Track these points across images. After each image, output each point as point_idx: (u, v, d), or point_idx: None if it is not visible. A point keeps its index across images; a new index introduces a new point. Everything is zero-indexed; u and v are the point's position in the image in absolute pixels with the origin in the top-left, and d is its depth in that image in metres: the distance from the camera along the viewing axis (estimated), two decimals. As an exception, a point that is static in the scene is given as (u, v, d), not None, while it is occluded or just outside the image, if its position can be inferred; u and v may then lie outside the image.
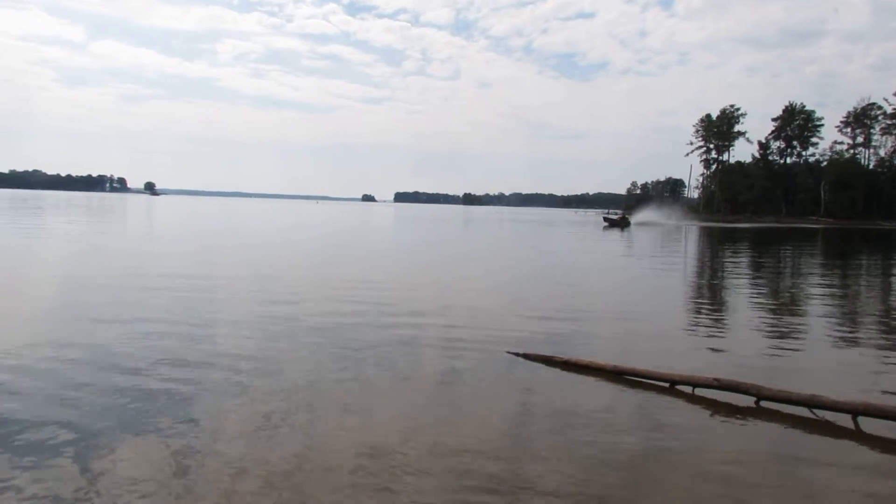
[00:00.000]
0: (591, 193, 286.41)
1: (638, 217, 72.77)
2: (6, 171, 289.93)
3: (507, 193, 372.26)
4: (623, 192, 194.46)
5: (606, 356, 7.71)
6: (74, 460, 4.56)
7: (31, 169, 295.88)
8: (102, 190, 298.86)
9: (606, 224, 60.15)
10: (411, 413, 5.85)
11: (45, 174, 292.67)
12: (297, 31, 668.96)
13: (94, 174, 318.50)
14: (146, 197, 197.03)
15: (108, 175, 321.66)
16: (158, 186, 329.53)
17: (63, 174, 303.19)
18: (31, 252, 21.16)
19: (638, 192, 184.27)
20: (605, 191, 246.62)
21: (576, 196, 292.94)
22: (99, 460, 4.58)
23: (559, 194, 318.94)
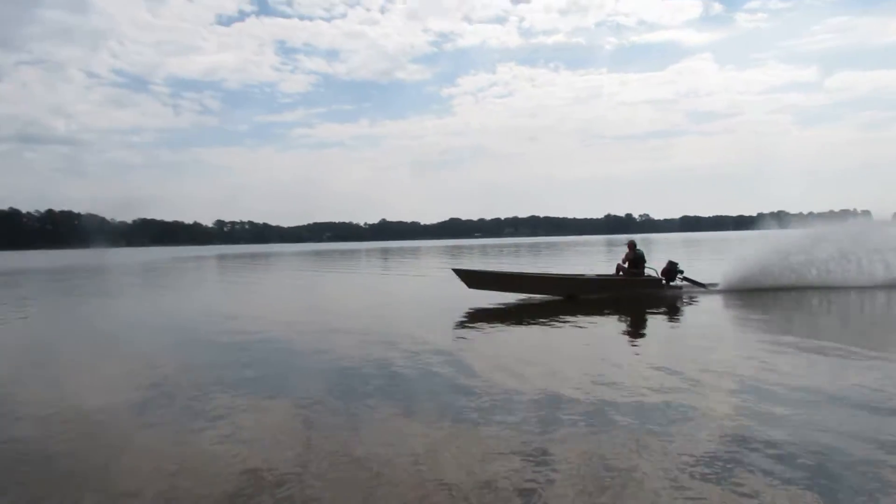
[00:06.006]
0: None
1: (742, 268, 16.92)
2: (754, 213, 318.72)
3: None
4: None
5: None
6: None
7: (775, 210, 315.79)
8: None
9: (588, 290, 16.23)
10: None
11: (787, 213, 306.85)
12: None
13: (836, 209, 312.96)
14: None
15: (852, 209, 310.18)
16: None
17: (804, 212, 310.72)
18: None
19: None
20: None
21: None
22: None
23: None
